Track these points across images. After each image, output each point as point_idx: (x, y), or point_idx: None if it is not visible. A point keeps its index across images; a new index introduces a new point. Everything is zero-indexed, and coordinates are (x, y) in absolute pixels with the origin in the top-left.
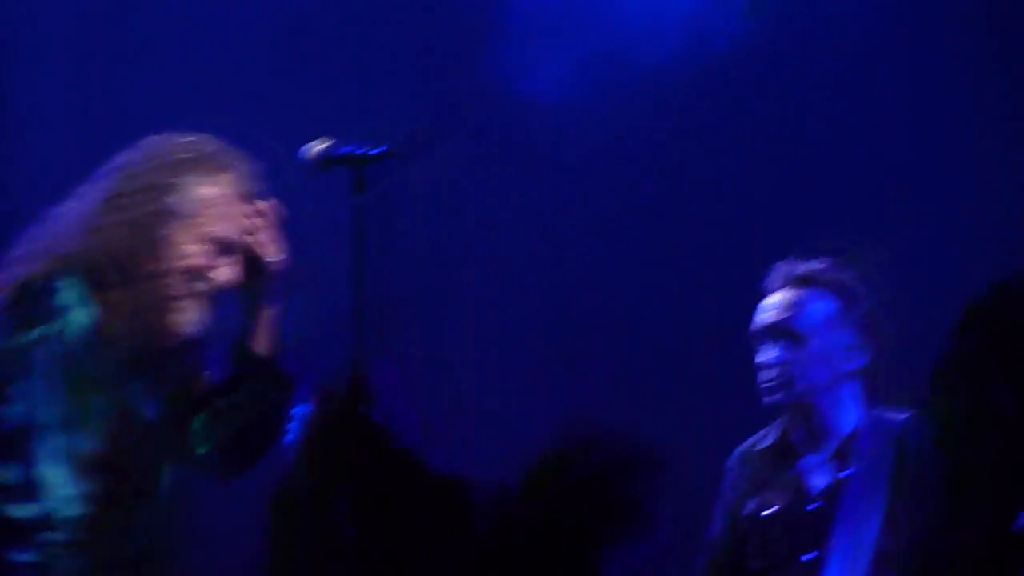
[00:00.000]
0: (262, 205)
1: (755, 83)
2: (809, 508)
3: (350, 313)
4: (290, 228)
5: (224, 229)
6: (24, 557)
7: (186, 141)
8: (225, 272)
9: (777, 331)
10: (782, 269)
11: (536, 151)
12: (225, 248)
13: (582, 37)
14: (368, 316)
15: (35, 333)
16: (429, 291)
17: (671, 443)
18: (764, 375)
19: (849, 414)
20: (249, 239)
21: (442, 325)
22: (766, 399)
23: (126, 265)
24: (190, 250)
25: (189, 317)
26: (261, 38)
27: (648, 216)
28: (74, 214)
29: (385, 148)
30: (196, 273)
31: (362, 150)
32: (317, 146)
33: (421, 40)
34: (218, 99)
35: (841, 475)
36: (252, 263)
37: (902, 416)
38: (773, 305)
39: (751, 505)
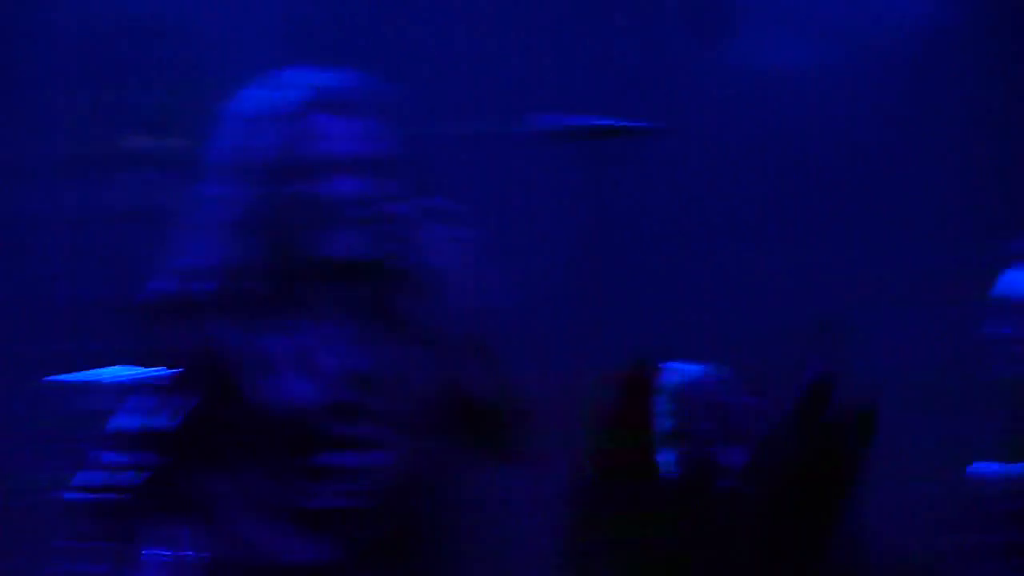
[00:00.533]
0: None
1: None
2: None
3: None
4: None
5: None
6: None
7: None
8: None
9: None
10: None
11: (773, 128)
12: None
13: (818, 12)
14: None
15: None
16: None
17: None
18: (1006, 346)
19: None
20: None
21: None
22: (1005, 370)
23: None
24: None
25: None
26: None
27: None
28: None
29: (618, 123)
30: None
31: (594, 123)
32: (547, 118)
33: (657, 13)
34: (451, 66)
35: None
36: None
37: None
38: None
39: None
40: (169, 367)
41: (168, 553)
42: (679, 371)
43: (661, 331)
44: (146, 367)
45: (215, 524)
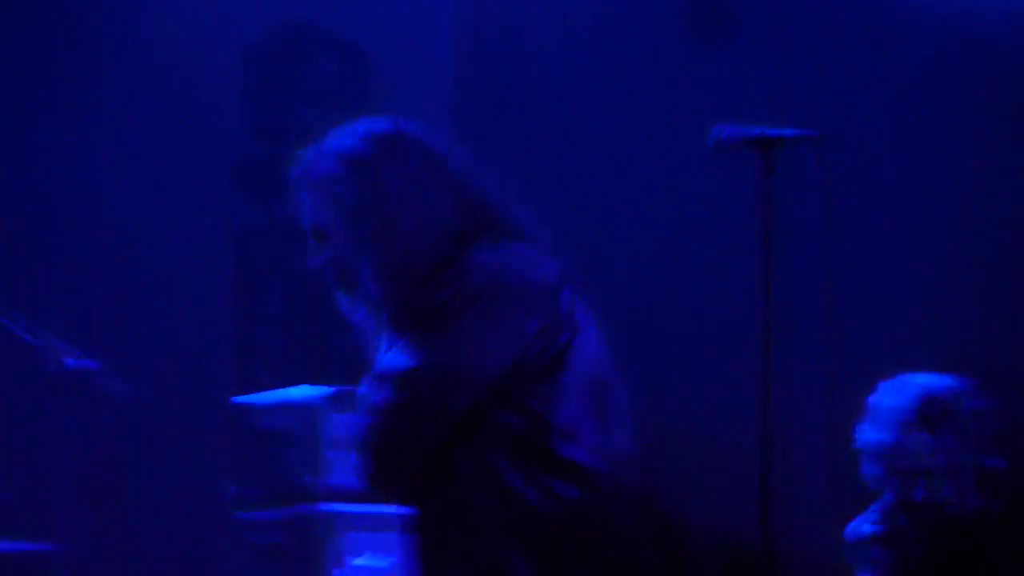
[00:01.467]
0: None
1: None
2: None
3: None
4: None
5: None
6: None
7: None
8: None
9: None
10: None
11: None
12: None
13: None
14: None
15: None
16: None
17: None
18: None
19: None
20: None
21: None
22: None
23: None
24: None
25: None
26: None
27: None
28: None
29: (799, 132)
30: None
31: (772, 132)
32: (728, 127)
33: (844, 23)
34: (632, 78)
35: None
36: None
37: None
38: None
39: None
40: None
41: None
42: (922, 384)
43: (856, 338)
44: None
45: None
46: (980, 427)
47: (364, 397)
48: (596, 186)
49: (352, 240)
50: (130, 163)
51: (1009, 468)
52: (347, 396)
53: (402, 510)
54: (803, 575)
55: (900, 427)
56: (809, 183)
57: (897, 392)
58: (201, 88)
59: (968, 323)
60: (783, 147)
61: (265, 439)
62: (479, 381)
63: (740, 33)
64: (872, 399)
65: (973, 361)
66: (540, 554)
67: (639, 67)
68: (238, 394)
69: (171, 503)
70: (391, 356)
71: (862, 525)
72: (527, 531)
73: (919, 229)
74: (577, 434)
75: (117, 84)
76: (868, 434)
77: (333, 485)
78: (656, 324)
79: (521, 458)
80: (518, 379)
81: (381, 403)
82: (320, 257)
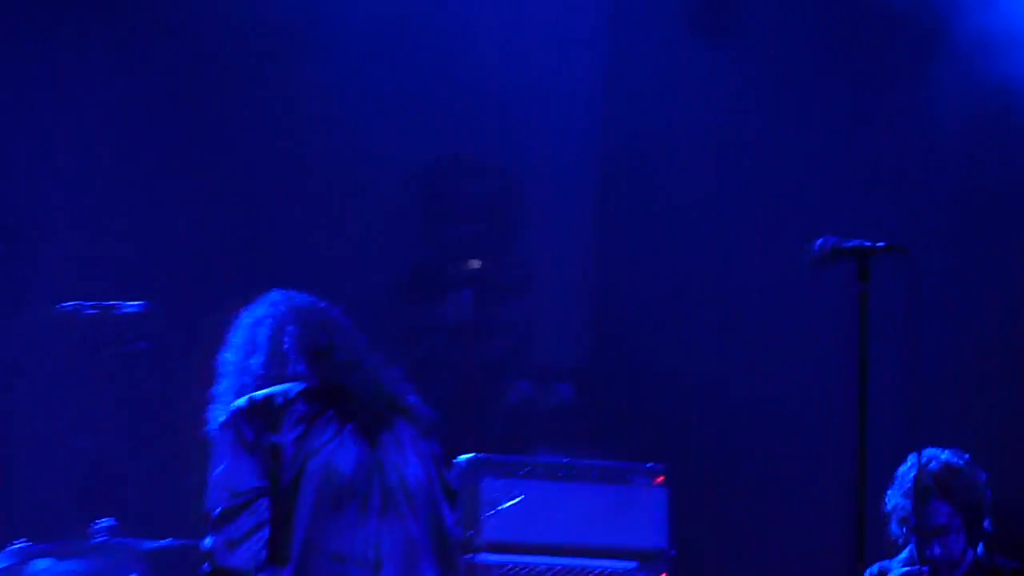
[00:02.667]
0: None
1: None
2: None
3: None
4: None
5: None
6: None
7: None
8: None
9: None
10: None
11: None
12: None
13: None
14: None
15: None
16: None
17: None
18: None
19: None
20: None
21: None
22: None
23: None
24: None
25: None
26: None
27: None
28: None
29: (886, 243)
30: None
31: (867, 243)
32: (825, 240)
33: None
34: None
35: None
36: None
37: None
38: None
39: None
40: None
41: None
42: (941, 458)
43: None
44: None
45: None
46: (983, 495)
47: None
48: (718, 285)
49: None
50: (313, 273)
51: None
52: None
53: None
54: None
55: (919, 494)
56: (898, 290)
57: (920, 464)
58: (379, 204)
59: None
60: (876, 256)
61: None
62: None
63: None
64: (900, 469)
65: None
66: None
67: (752, 189)
68: None
69: None
70: None
71: (892, 569)
72: None
73: (995, 335)
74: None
75: (303, 203)
76: (894, 499)
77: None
78: (760, 415)
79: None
80: None
81: None
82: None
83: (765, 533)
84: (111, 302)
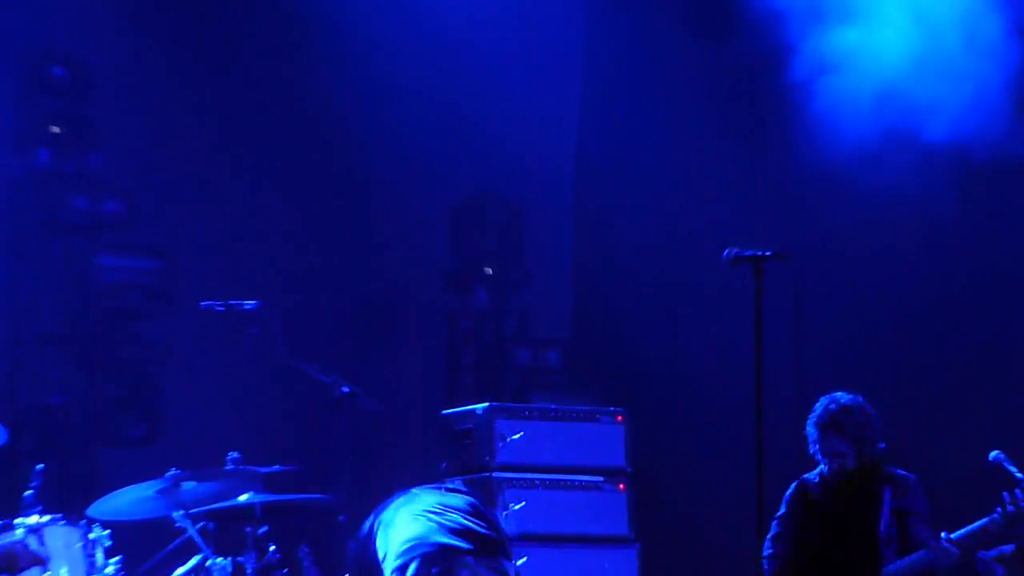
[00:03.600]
0: None
1: None
2: None
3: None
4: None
5: None
6: None
7: None
8: None
9: None
10: None
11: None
12: None
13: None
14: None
15: None
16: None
17: None
18: None
19: None
20: None
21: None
22: None
23: None
24: None
25: None
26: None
27: None
28: None
29: (772, 252)
30: None
31: (759, 252)
32: (730, 250)
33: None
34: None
35: None
36: None
37: None
38: None
39: None
40: None
41: None
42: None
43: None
44: None
45: None
46: (872, 428)
47: None
48: (667, 280)
49: None
50: (365, 282)
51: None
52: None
53: None
54: None
55: (821, 428)
56: (786, 292)
57: (824, 404)
58: (416, 233)
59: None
60: (766, 262)
61: (459, 435)
62: None
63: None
64: (815, 407)
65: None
66: None
67: (691, 208)
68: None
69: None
70: None
71: (809, 479)
72: None
73: (873, 334)
74: None
75: (374, 222)
76: (808, 429)
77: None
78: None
79: None
80: None
81: None
82: None
83: (703, 457)
84: (234, 301)
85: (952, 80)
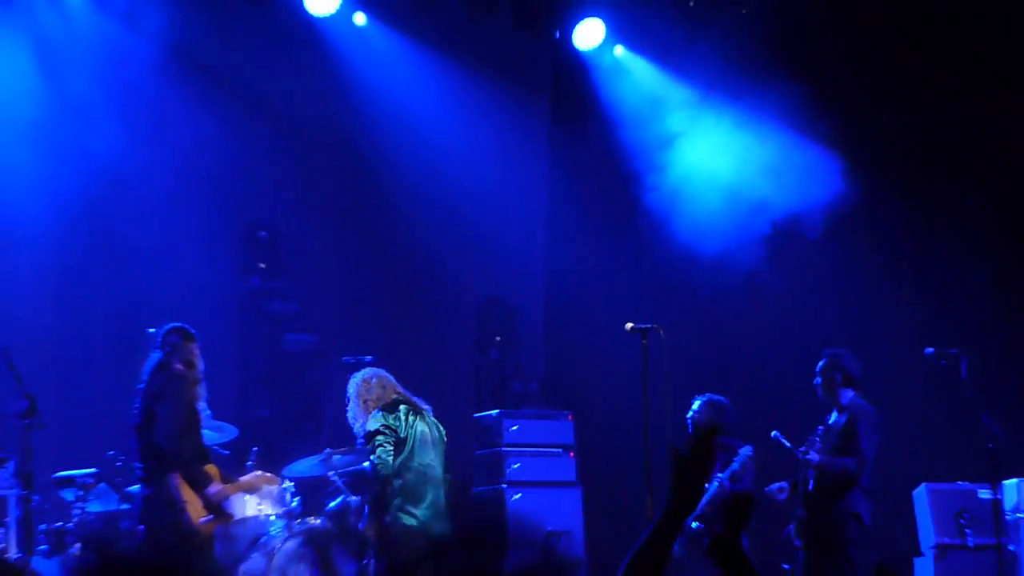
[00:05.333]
0: None
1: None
2: None
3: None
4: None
5: None
6: None
7: None
8: None
9: None
10: None
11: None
12: None
13: None
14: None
15: None
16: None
17: None
18: None
19: None
20: None
21: None
22: None
23: None
24: None
25: None
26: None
27: None
28: None
29: (652, 324)
30: None
31: (645, 325)
32: (633, 324)
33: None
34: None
35: None
36: None
37: None
38: None
39: None
40: None
41: None
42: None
43: None
44: None
45: None
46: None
47: None
48: (608, 340)
49: None
50: (430, 343)
51: None
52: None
53: None
54: None
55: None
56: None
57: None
58: (458, 317)
59: None
60: (650, 331)
61: (483, 428)
62: None
63: None
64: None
65: None
66: None
67: (617, 309)
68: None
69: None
70: None
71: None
72: None
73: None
74: None
75: (415, 308)
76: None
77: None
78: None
79: None
80: None
81: None
82: None
83: (617, 439)
84: (359, 357)
85: (775, 182)
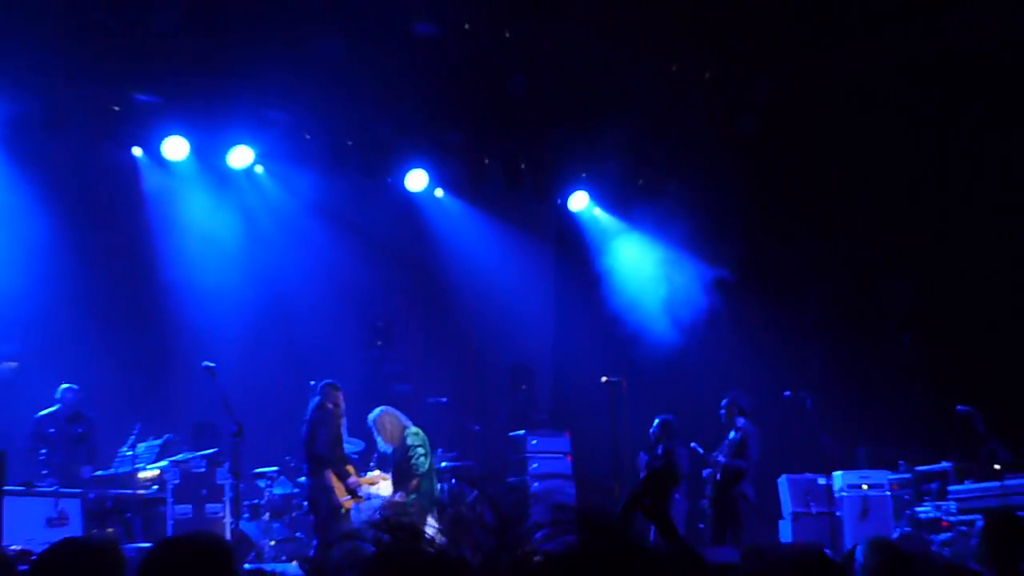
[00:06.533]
0: None
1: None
2: None
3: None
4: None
5: None
6: None
7: None
8: None
9: None
10: None
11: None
12: None
13: None
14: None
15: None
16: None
17: None
18: None
19: None
20: None
21: None
22: None
23: None
24: None
25: None
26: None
27: None
28: None
29: (618, 378)
30: None
31: (612, 378)
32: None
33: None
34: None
35: None
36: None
37: None
38: None
39: None
40: None
41: None
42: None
43: None
44: None
45: None
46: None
47: None
48: (589, 390)
49: None
50: (480, 391)
51: None
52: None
53: None
54: None
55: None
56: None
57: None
58: (496, 376)
59: None
60: (611, 383)
61: (514, 443)
62: None
63: None
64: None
65: None
66: None
67: (593, 367)
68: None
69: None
70: None
71: None
72: None
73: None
74: None
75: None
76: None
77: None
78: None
79: None
80: None
81: None
82: None
83: (601, 451)
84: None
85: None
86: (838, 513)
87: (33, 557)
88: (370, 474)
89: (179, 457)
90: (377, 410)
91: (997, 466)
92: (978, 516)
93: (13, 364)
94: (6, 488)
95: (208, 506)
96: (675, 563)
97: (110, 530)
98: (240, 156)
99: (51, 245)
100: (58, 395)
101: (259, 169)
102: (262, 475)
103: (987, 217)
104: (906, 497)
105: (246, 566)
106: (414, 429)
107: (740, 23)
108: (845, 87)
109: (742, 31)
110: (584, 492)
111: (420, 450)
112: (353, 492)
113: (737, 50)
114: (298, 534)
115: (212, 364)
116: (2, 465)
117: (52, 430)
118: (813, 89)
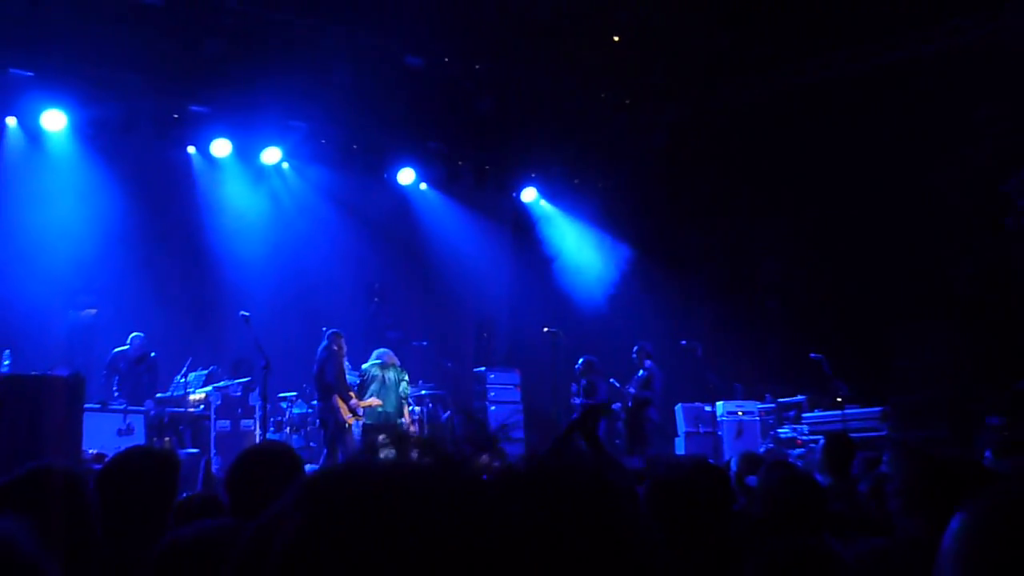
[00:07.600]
0: None
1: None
2: None
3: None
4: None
5: None
6: None
7: None
8: None
9: None
10: None
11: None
12: None
13: None
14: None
15: None
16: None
17: None
18: None
19: None
20: None
21: None
22: None
23: None
24: None
25: None
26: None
27: None
28: None
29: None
30: None
31: (552, 328)
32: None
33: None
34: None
35: None
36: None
37: None
38: None
39: None
40: None
41: None
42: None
43: None
44: None
45: None
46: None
47: None
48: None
49: None
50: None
51: None
52: None
53: None
54: None
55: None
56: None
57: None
58: (465, 327)
59: None
60: (552, 332)
61: (479, 377)
62: None
63: None
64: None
65: None
66: None
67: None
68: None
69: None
70: None
71: None
72: None
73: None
74: None
75: None
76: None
77: None
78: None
79: None
80: None
81: None
82: None
83: (543, 384)
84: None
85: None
86: (719, 433)
87: (107, 459)
88: (367, 399)
89: (220, 384)
90: (378, 351)
91: (839, 399)
92: (822, 436)
93: (93, 311)
94: (86, 405)
95: (243, 422)
96: (603, 467)
97: (167, 439)
98: (271, 155)
99: (123, 221)
100: (128, 340)
101: (285, 166)
102: (284, 398)
103: (836, 211)
104: (771, 421)
105: None
106: (377, 361)
107: (652, 62)
108: (733, 113)
109: (654, 68)
110: (530, 415)
111: (374, 371)
112: (354, 412)
113: (650, 83)
114: (312, 443)
115: (247, 313)
116: (82, 386)
117: (123, 366)
118: (709, 113)
